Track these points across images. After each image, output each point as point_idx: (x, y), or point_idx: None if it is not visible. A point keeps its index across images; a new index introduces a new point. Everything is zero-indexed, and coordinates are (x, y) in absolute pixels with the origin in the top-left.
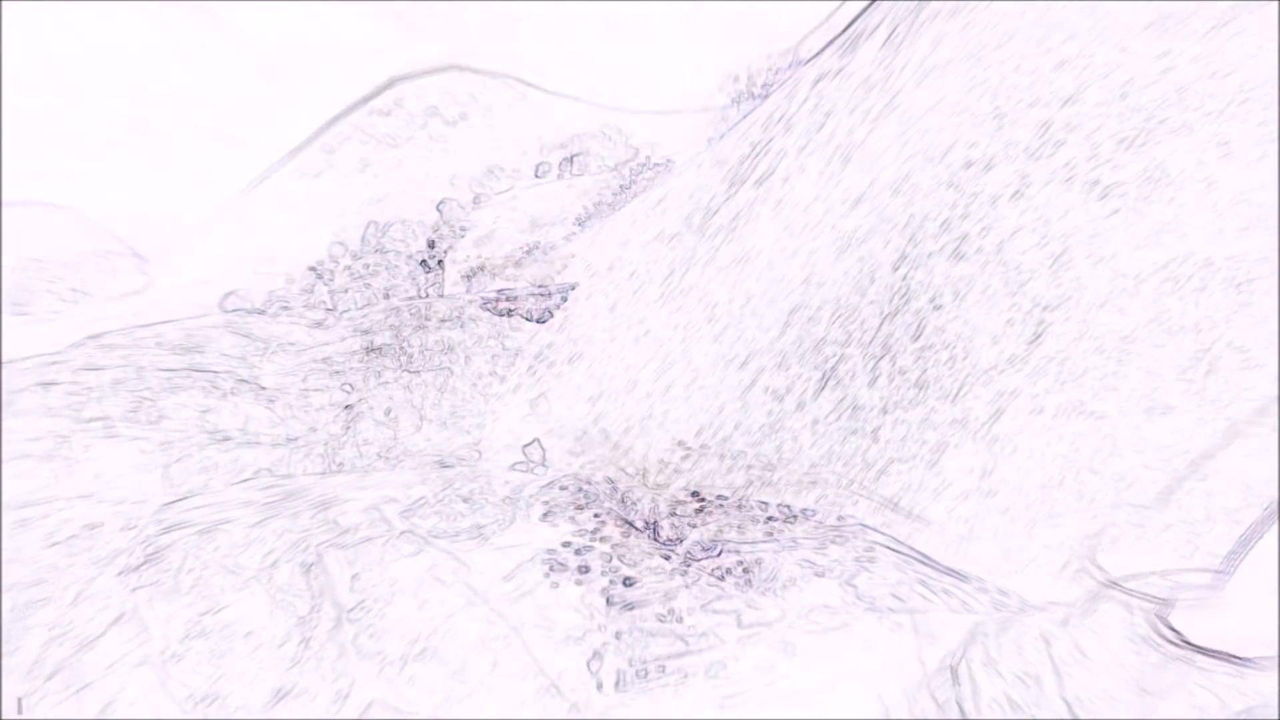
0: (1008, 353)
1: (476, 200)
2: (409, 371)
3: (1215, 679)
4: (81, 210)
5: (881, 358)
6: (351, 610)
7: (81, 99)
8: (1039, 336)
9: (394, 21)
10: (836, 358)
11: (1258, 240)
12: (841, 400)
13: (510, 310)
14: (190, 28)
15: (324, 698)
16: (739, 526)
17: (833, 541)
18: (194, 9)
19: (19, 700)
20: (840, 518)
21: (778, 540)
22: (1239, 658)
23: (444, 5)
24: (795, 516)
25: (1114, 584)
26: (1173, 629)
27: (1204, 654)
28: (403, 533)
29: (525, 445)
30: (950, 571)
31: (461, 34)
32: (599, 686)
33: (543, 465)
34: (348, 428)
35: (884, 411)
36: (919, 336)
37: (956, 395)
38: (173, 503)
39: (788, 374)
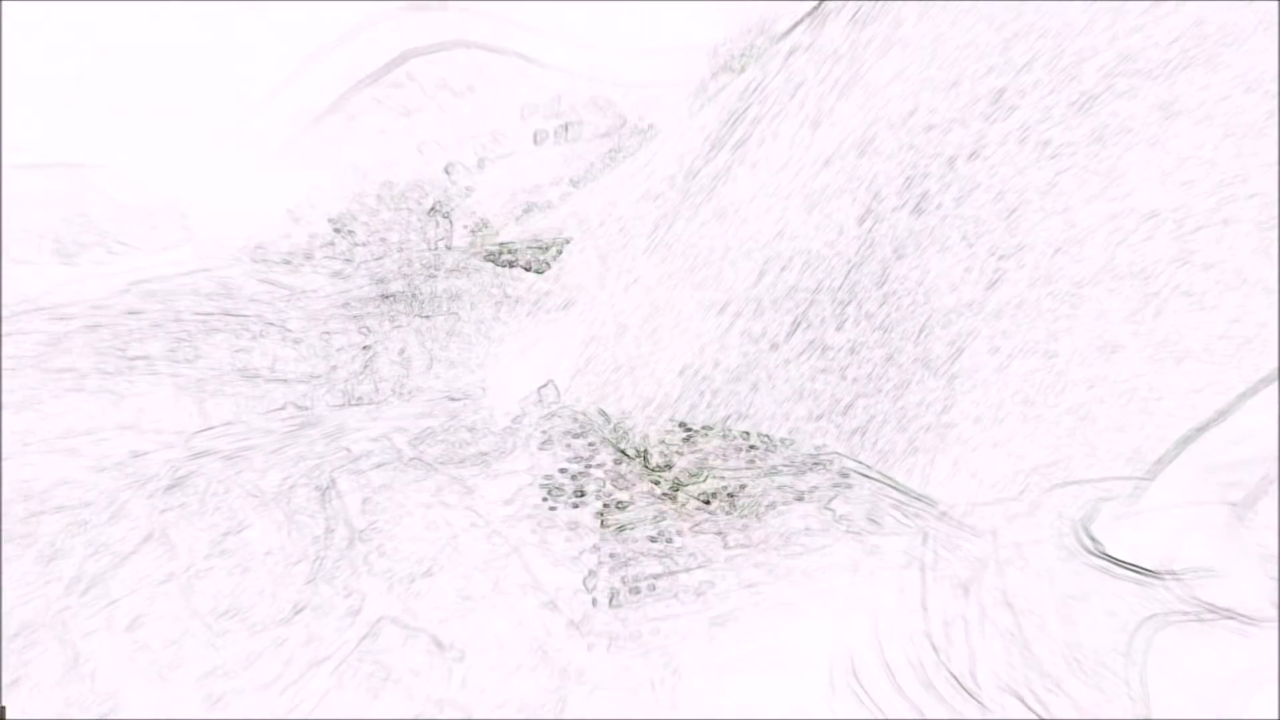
0: (966, 298)
1: (481, 163)
2: (420, 316)
3: (1126, 588)
4: (128, 170)
5: (848, 303)
6: (363, 531)
7: (121, 66)
8: (995, 283)
9: (406, 7)
10: (807, 303)
11: (1201, 194)
12: (812, 342)
13: (511, 262)
14: (221, 6)
15: (337, 612)
16: (723, 454)
17: (810, 469)
18: None
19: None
20: (817, 446)
21: (759, 467)
22: (1148, 570)
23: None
24: (775, 446)
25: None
26: (1093, 538)
27: (1118, 564)
28: (411, 460)
29: (540, 387)
30: (920, 496)
31: (467, 17)
32: (594, 603)
33: (558, 405)
34: (365, 366)
35: (851, 352)
36: (883, 284)
37: (918, 336)
38: (201, 431)
39: (762, 319)
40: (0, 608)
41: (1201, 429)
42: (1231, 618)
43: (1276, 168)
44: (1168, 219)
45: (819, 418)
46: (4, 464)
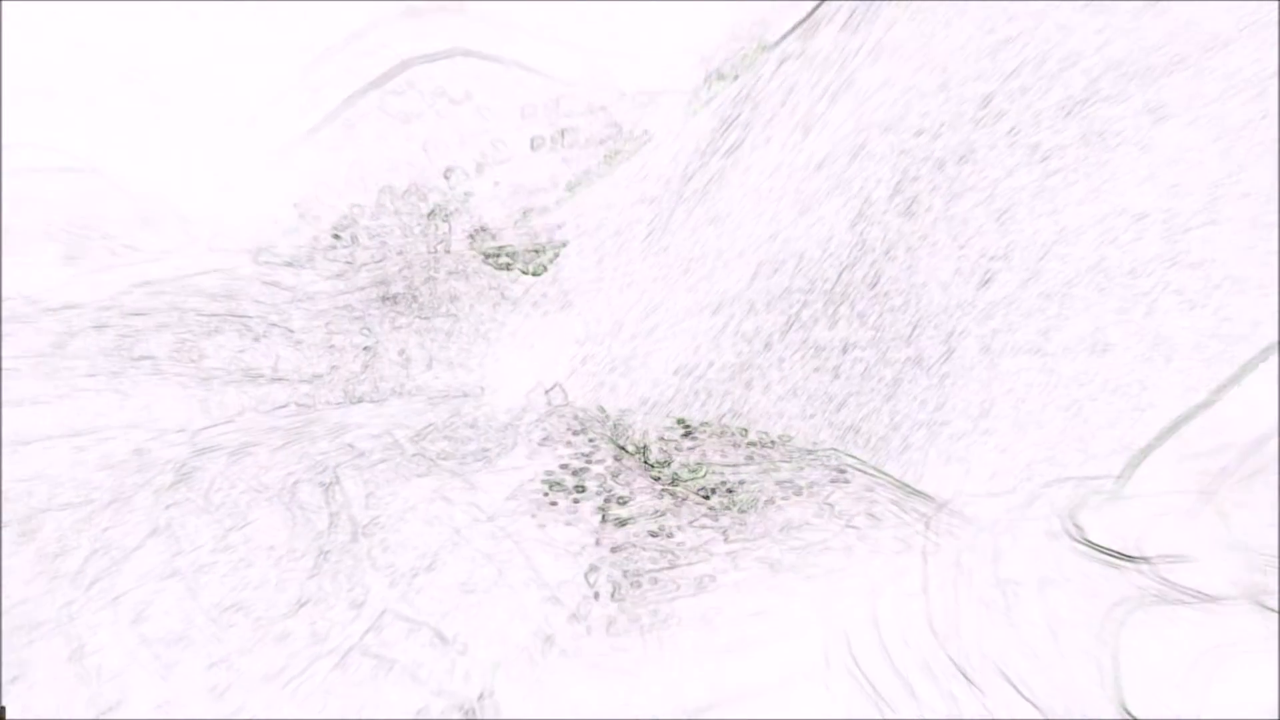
0: (957, 298)
1: (479, 168)
2: (420, 318)
3: (1100, 570)
4: (132, 176)
5: (841, 303)
6: (366, 526)
7: (131, 76)
8: (986, 283)
9: (405, 14)
10: (800, 304)
11: (1189, 195)
12: (805, 341)
13: (509, 265)
14: (225, 13)
15: (340, 606)
16: (721, 451)
17: (808, 464)
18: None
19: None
20: (815, 443)
21: (757, 463)
22: (1122, 554)
23: (452, 4)
24: (774, 442)
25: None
26: (1077, 525)
27: (1097, 549)
28: (413, 455)
29: (548, 390)
30: (918, 492)
31: (465, 24)
32: (596, 596)
33: (566, 406)
34: (366, 366)
35: (844, 351)
36: (875, 284)
37: (910, 336)
38: (206, 428)
39: (756, 319)
40: (0, 607)
41: (1182, 420)
42: (1199, 599)
43: (1276, 168)
44: (1157, 220)
45: (812, 416)
46: (4, 465)
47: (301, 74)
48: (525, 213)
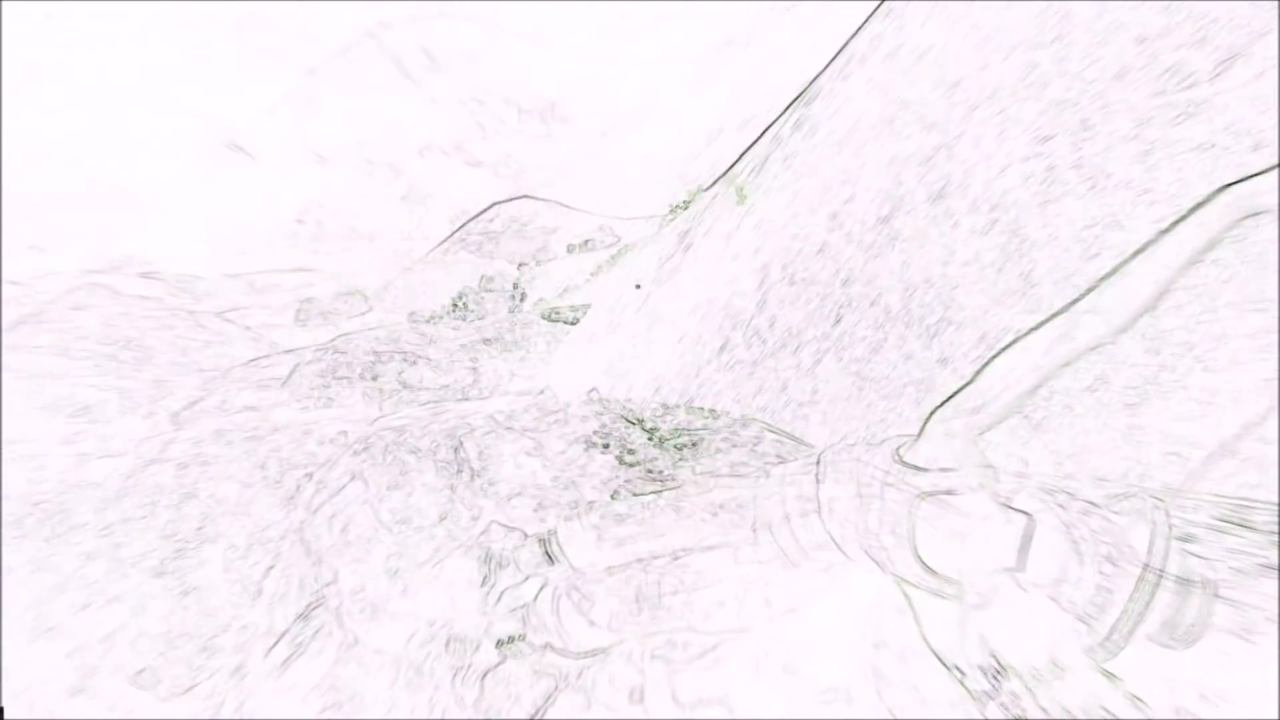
0: (995, 295)
1: (539, 263)
2: (505, 351)
3: None
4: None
5: (874, 302)
6: (480, 470)
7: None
8: (1030, 279)
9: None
10: (836, 303)
11: (1266, 158)
12: (823, 340)
13: (556, 319)
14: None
15: (465, 518)
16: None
17: (740, 427)
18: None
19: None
20: (744, 415)
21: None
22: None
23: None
24: (719, 414)
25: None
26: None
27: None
28: (507, 428)
29: (589, 391)
30: (804, 443)
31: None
32: (612, 497)
33: (605, 410)
34: (474, 380)
35: (874, 350)
36: (904, 276)
37: (936, 333)
38: (380, 418)
39: (767, 315)
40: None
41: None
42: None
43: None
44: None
45: (838, 420)
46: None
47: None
48: (565, 289)
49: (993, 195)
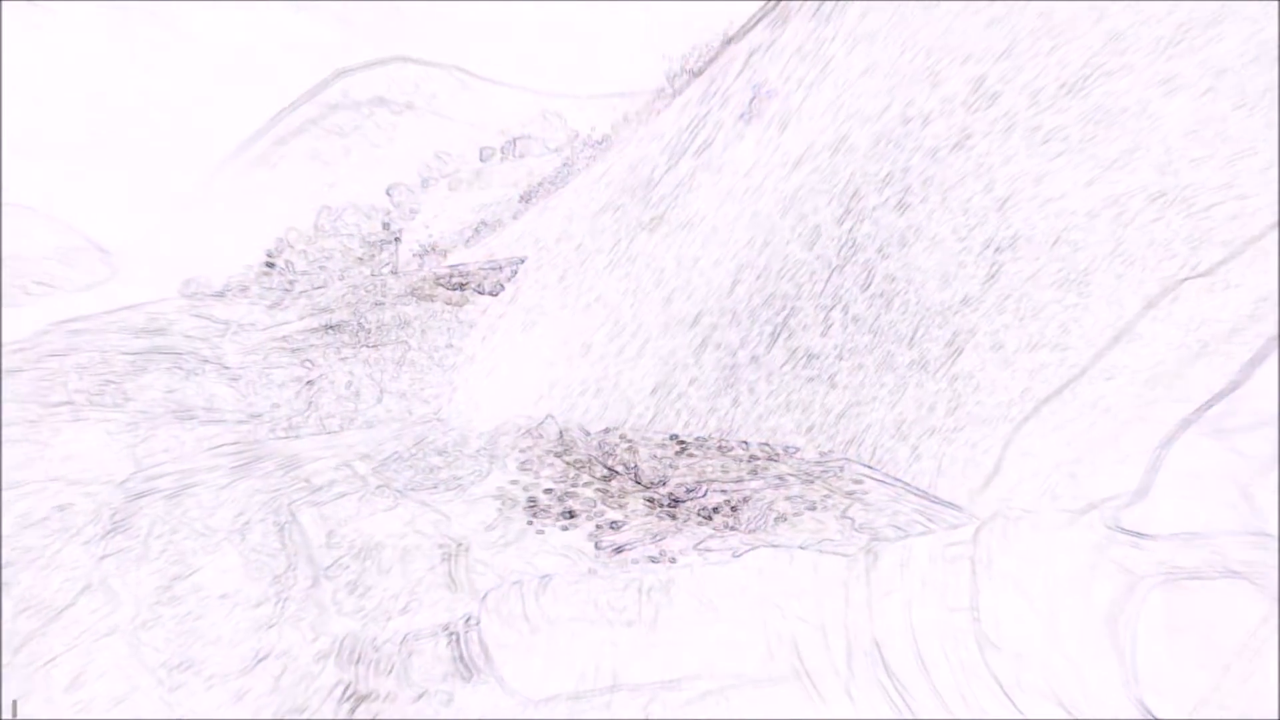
0: (961, 294)
1: (425, 183)
2: (367, 346)
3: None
4: (42, 208)
5: (833, 307)
6: (329, 567)
7: (41, 102)
8: (993, 276)
9: (339, 23)
10: (787, 311)
11: (1210, 170)
12: (795, 351)
13: (463, 285)
14: (146, 33)
15: (304, 658)
16: (722, 467)
17: (819, 477)
18: (148, 15)
19: (13, 702)
20: (823, 453)
21: (762, 478)
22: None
23: (387, 5)
24: (778, 455)
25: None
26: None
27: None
28: (378, 487)
29: (540, 424)
30: (944, 502)
31: (403, 32)
32: None
33: (560, 441)
34: (310, 402)
35: (839, 358)
36: (869, 285)
37: (913, 338)
38: (139, 472)
39: (739, 330)
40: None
41: (1203, 408)
42: (1218, 577)
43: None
44: (1176, 199)
45: (809, 429)
46: None
47: (229, 92)
48: (478, 229)
49: (953, 205)
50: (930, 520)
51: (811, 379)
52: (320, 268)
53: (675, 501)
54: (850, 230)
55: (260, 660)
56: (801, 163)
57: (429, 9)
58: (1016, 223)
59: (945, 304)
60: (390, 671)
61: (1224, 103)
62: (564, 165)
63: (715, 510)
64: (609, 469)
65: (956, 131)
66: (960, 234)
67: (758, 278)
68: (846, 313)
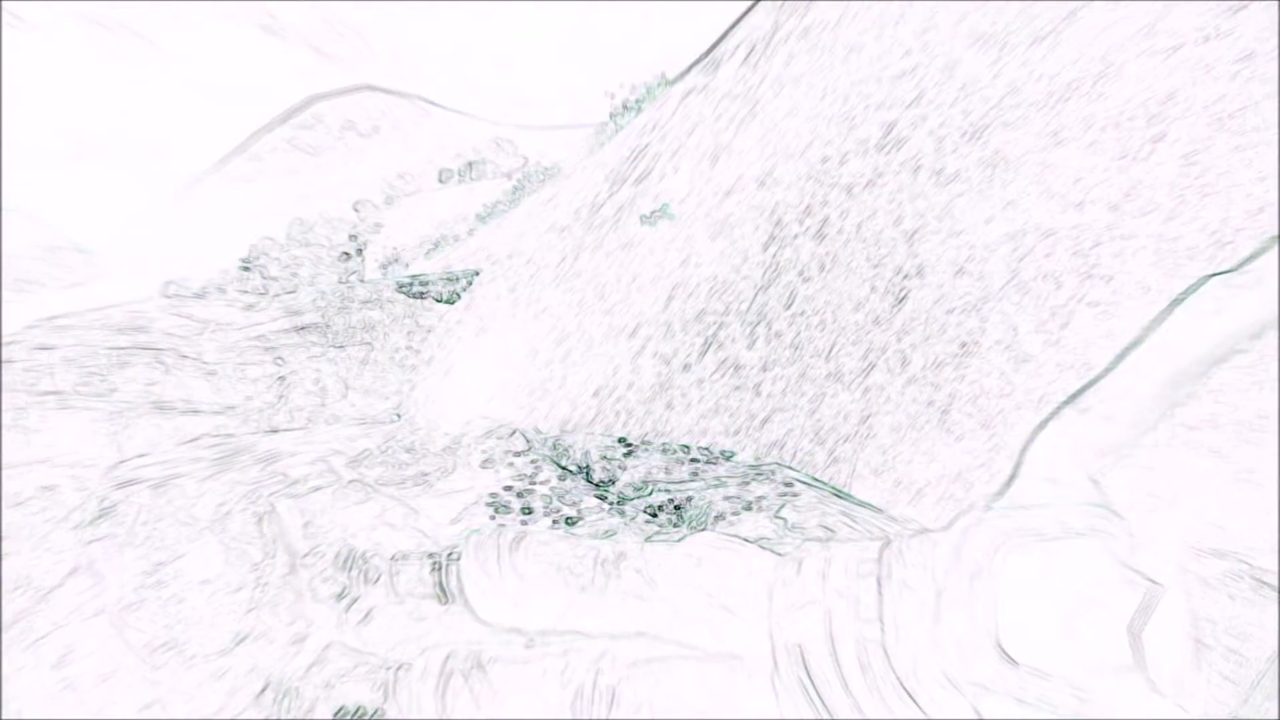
0: (873, 315)
1: (389, 200)
2: (334, 347)
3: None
4: (28, 211)
5: (758, 324)
6: (305, 556)
7: (33, 114)
8: (902, 300)
9: (313, 52)
10: (716, 325)
11: (1094, 213)
12: (724, 361)
13: (422, 293)
14: (132, 53)
15: (281, 640)
16: (666, 469)
17: (754, 479)
18: (134, 37)
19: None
20: (758, 458)
21: (703, 479)
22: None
23: (357, 38)
24: (717, 459)
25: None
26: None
27: None
28: (350, 481)
29: (509, 435)
30: (865, 504)
31: (372, 62)
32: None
33: (527, 451)
34: (280, 396)
35: (764, 369)
36: (791, 304)
37: (829, 353)
38: (124, 461)
39: (673, 341)
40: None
41: (1059, 408)
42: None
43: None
44: (1065, 236)
45: (736, 433)
46: None
47: (211, 113)
48: (437, 243)
49: (867, 236)
50: (853, 520)
51: (738, 387)
52: (292, 274)
53: (624, 500)
54: (774, 255)
55: (240, 642)
56: (731, 193)
57: (396, 42)
58: (923, 253)
59: (859, 324)
60: (378, 581)
61: (1107, 154)
62: (515, 188)
63: (660, 509)
64: (563, 469)
65: (870, 170)
66: (873, 261)
67: (690, 295)
68: (770, 329)
